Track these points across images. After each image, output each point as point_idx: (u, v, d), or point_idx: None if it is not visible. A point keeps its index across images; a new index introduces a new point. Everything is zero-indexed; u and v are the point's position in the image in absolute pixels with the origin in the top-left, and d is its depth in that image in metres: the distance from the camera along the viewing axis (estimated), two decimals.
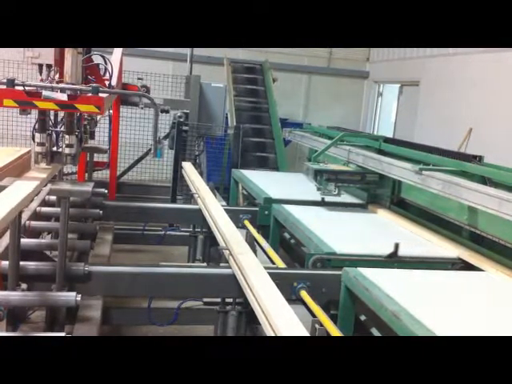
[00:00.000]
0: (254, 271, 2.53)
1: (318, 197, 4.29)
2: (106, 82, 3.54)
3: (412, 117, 9.43)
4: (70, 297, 2.30)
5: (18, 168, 4.61)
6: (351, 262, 2.98)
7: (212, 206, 3.71)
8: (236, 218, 4.04)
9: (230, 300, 2.73)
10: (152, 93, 8.24)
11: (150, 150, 8.09)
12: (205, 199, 3.91)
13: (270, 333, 1.98)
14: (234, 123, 7.63)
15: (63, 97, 2.52)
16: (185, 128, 6.68)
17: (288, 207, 4.10)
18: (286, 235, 4.56)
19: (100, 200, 3.91)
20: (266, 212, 4.27)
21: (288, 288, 2.70)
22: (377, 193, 4.48)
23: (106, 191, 4.15)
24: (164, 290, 2.69)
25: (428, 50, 8.97)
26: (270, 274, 2.59)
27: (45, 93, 2.47)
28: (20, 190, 2.21)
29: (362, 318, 2.95)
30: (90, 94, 2.54)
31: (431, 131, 8.53)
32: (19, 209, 2.12)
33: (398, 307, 2.34)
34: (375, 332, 2.83)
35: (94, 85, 2.61)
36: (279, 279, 2.62)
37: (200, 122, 6.84)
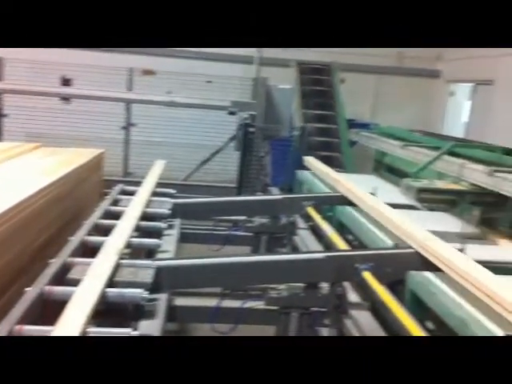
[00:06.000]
0: None
1: (395, 201, 4.00)
2: None
3: (485, 117, 9.08)
4: (136, 293, 2.36)
5: (93, 168, 4.83)
6: None
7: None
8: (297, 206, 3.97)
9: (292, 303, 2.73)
10: (219, 95, 8.40)
11: (217, 151, 8.26)
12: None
13: None
14: (300, 124, 7.63)
15: None
16: (251, 130, 6.73)
17: (352, 209, 4.04)
18: (350, 238, 4.50)
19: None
20: (330, 213, 4.24)
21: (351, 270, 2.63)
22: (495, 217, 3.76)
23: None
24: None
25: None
26: (331, 256, 2.64)
27: None
28: None
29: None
30: None
31: (506, 132, 8.16)
32: None
33: (465, 313, 2.27)
34: None
35: None
36: (342, 261, 2.65)
37: (266, 124, 6.88)
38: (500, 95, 8.76)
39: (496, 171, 3.56)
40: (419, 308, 2.67)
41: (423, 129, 8.09)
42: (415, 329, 2.15)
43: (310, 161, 5.64)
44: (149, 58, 9.43)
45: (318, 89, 8.81)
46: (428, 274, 2.68)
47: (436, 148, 4.53)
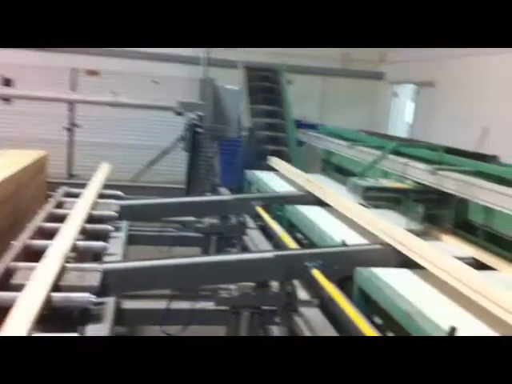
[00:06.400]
0: None
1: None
2: None
3: (428, 118, 9.35)
4: (83, 297, 2.31)
5: (34, 170, 4.68)
6: None
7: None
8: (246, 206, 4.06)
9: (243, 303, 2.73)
10: (166, 96, 8.32)
11: (165, 152, 8.17)
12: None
13: None
14: (248, 124, 7.66)
15: None
16: (199, 130, 6.69)
17: (302, 208, 4.08)
18: (300, 237, 4.54)
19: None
20: (279, 212, 4.26)
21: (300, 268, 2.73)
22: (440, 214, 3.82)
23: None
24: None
25: (445, 50, 8.91)
26: (281, 255, 2.76)
27: None
28: None
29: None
30: None
31: (448, 132, 8.45)
32: None
33: (411, 307, 2.33)
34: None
35: None
36: (291, 260, 2.77)
37: (214, 124, 6.84)
38: (441, 97, 9.05)
39: (438, 169, 3.67)
40: (367, 303, 2.72)
41: (369, 129, 8.27)
42: (363, 324, 2.20)
43: (274, 160, 5.83)
44: (94, 58, 9.24)
45: (266, 89, 8.86)
46: (375, 270, 2.74)
47: (381, 147, 4.63)
